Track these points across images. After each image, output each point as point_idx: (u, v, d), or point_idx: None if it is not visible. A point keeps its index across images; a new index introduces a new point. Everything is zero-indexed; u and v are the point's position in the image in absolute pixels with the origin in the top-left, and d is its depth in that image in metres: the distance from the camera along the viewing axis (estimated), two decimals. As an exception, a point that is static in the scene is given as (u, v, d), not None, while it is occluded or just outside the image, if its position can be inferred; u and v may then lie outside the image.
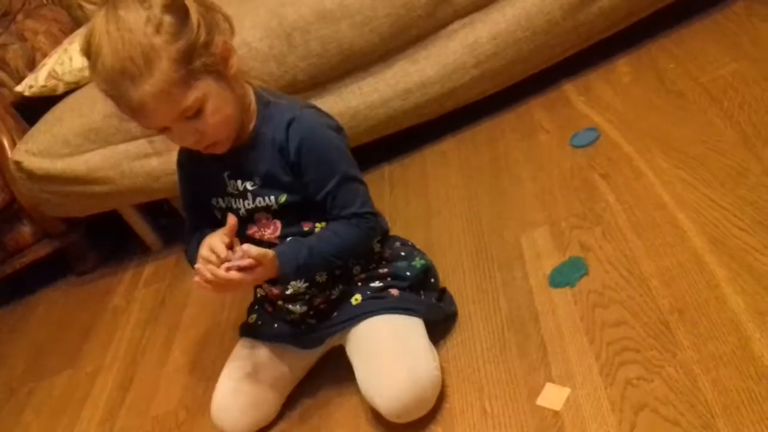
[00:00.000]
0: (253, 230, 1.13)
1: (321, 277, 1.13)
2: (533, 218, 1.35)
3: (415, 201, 1.62)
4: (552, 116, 1.63)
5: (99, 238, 2.06)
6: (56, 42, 2.13)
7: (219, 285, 1.04)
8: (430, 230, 1.48)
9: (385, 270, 1.19)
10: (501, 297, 1.22)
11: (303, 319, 1.18)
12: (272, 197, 1.09)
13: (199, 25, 0.95)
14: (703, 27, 1.63)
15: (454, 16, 1.61)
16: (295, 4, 1.58)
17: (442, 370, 1.11)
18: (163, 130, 1.00)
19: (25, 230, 2.02)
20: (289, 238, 1.11)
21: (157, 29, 0.92)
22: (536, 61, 1.66)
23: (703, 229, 1.13)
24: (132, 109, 0.96)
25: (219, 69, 0.99)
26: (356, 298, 1.16)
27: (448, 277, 1.31)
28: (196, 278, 1.05)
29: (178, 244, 1.91)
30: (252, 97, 1.09)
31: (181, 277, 1.80)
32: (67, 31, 2.19)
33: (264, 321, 1.24)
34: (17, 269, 2.06)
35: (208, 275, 1.03)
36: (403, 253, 1.23)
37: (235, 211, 1.12)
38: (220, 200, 1.14)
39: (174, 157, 1.66)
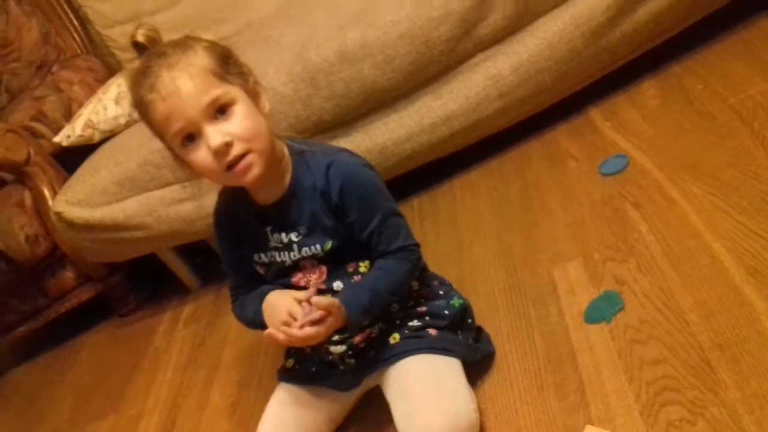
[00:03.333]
0: (297, 277, 1.13)
1: None
2: (565, 250, 1.33)
3: (445, 234, 1.61)
4: (579, 143, 1.61)
5: (139, 280, 2.10)
6: (91, 91, 2.19)
7: (294, 341, 1.05)
8: (462, 264, 1.47)
9: (424, 308, 1.18)
10: (536, 334, 1.20)
11: (342, 360, 1.17)
12: (318, 245, 1.09)
13: (233, 55, 1.03)
14: (729, 45, 1.60)
15: (475, 49, 1.60)
16: (318, 47, 1.59)
17: (480, 411, 1.10)
18: (192, 138, 0.97)
19: (68, 275, 2.06)
20: (341, 285, 1.11)
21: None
22: (560, 89, 1.65)
23: (740, 260, 1.10)
24: (163, 99, 0.94)
25: (251, 94, 1.02)
26: (394, 337, 1.15)
27: (483, 314, 1.30)
28: (267, 333, 1.06)
29: (215, 283, 1.94)
30: (284, 150, 1.09)
31: (219, 317, 1.82)
32: (101, 80, 2.25)
33: (302, 364, 1.24)
34: (61, 313, 2.10)
35: (282, 337, 1.04)
36: (441, 292, 1.22)
37: (280, 264, 1.12)
38: (262, 255, 1.14)
39: (208, 201, 1.70)
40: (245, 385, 1.51)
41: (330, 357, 1.17)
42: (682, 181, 1.32)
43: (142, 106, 0.98)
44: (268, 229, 1.11)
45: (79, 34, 2.40)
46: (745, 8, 1.62)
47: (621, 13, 1.55)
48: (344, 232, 1.10)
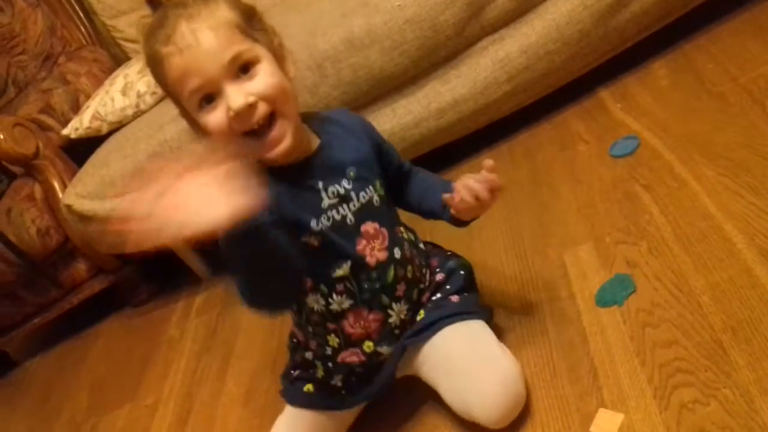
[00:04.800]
0: (362, 245, 1.05)
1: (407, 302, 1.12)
2: (576, 234, 1.34)
3: (455, 219, 1.61)
4: (589, 125, 1.61)
5: (151, 271, 2.12)
6: (98, 82, 2.20)
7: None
8: (473, 250, 1.47)
9: (440, 276, 1.18)
10: (548, 319, 1.21)
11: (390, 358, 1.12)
12: (371, 187, 1.06)
13: (258, 13, 0.96)
14: (739, 23, 1.59)
15: (482, 33, 1.60)
16: (325, 34, 1.59)
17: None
18: (210, 99, 0.90)
19: (80, 267, 2.09)
20: (399, 252, 1.09)
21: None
22: (570, 70, 1.64)
23: (752, 241, 1.10)
24: (181, 53, 0.87)
25: (277, 55, 0.95)
26: (420, 314, 1.15)
27: (494, 298, 1.31)
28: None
29: (226, 272, 1.95)
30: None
31: (230, 306, 1.84)
32: (108, 71, 2.26)
33: (332, 379, 1.15)
34: (75, 305, 2.13)
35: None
36: (448, 253, 1.24)
37: (343, 223, 1.02)
38: (322, 220, 1.01)
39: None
40: (258, 374, 1.54)
41: (380, 358, 1.12)
42: (693, 161, 1.32)
43: (155, 61, 0.90)
44: (320, 184, 1.01)
45: (84, 26, 2.41)
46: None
47: (629, -7, 1.54)
48: (383, 176, 1.09)
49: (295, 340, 1.23)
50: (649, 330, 1.07)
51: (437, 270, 1.20)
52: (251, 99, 0.89)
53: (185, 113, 0.97)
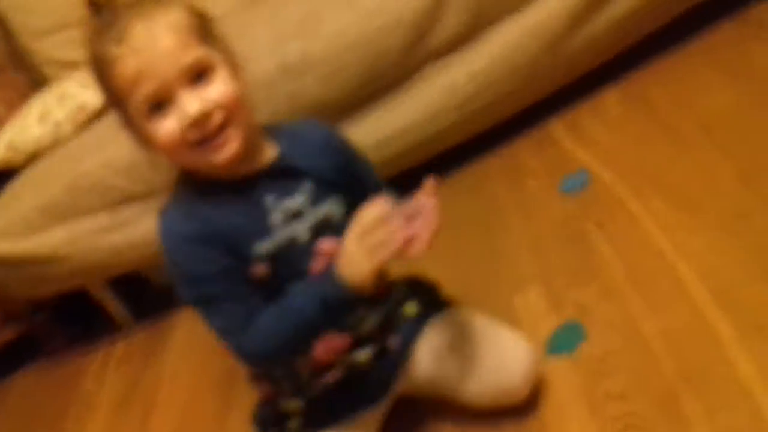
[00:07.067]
0: (319, 264, 0.99)
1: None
2: (526, 275, 1.32)
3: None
4: (540, 157, 1.61)
5: (67, 317, 2.03)
6: (13, 108, 2.13)
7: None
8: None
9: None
10: (495, 368, 1.18)
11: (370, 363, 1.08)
12: (330, 201, 1.01)
13: (212, 20, 0.94)
14: (693, 51, 1.62)
15: (428, 59, 1.60)
16: (256, 59, 1.57)
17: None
18: (161, 106, 0.87)
19: (-14, 315, 1.99)
20: None
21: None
22: (519, 99, 1.65)
23: (704, 281, 1.10)
24: (136, 54, 0.84)
25: (231, 65, 0.93)
26: (410, 307, 1.13)
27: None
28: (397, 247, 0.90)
29: (149, 319, 1.89)
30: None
31: (153, 355, 1.77)
32: (25, 97, 2.19)
33: (316, 405, 1.09)
34: (-19, 357, 2.03)
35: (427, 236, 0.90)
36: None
37: (293, 243, 0.98)
38: (266, 243, 0.96)
39: (139, 229, 1.68)
40: (184, 429, 1.47)
41: (357, 369, 1.07)
42: (646, 197, 1.32)
43: (103, 63, 0.86)
44: (270, 199, 0.97)
45: (1, 47, 2.34)
46: (707, 14, 1.64)
47: (579, 20, 1.56)
48: (349, 192, 1.03)
49: (261, 401, 1.14)
50: (602, 380, 1.06)
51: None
52: (208, 106, 0.87)
53: (130, 123, 0.93)
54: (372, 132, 1.64)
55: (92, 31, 0.88)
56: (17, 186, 1.83)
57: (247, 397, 1.25)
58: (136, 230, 1.65)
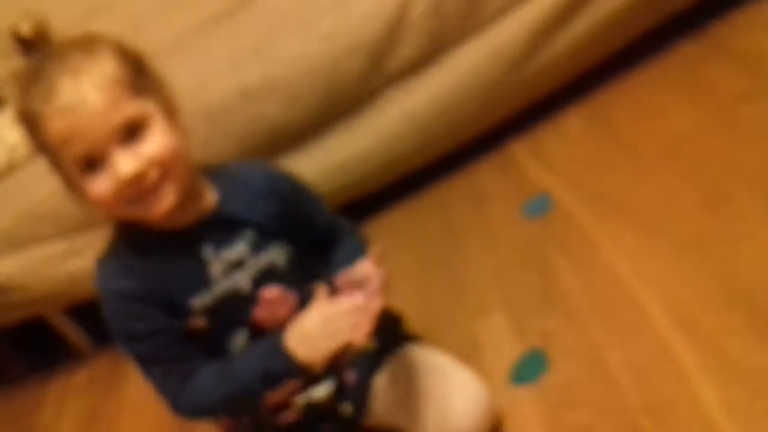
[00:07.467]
0: (262, 312, 0.98)
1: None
2: (489, 302, 1.32)
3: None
4: (502, 182, 1.60)
5: (24, 345, 1.98)
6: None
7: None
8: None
9: None
10: (459, 399, 1.17)
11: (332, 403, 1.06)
12: (273, 248, 0.98)
13: (146, 62, 0.90)
14: (653, 71, 1.63)
15: (387, 82, 1.58)
16: (215, 82, 1.54)
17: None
18: (93, 164, 0.84)
19: (-63, 344, 1.92)
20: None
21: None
22: (480, 122, 1.65)
23: (667, 309, 1.10)
24: (62, 114, 0.81)
25: (167, 109, 0.89)
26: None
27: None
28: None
29: (110, 346, 1.83)
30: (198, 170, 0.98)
31: (114, 384, 1.72)
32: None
33: None
34: (-66, 388, 1.96)
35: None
36: None
37: (235, 294, 0.96)
38: (204, 297, 0.94)
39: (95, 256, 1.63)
40: (145, 465, 1.44)
41: (317, 406, 1.05)
42: (608, 221, 1.33)
43: (31, 121, 0.84)
44: (208, 249, 0.95)
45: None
46: (666, 33, 1.65)
47: (538, 42, 1.56)
48: (295, 238, 1.01)
49: None
50: (565, 411, 1.06)
51: None
52: (142, 166, 0.84)
53: (63, 175, 0.89)
54: (332, 156, 1.63)
55: (19, 84, 0.84)
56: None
57: (208, 430, 1.22)
58: (92, 256, 1.61)
